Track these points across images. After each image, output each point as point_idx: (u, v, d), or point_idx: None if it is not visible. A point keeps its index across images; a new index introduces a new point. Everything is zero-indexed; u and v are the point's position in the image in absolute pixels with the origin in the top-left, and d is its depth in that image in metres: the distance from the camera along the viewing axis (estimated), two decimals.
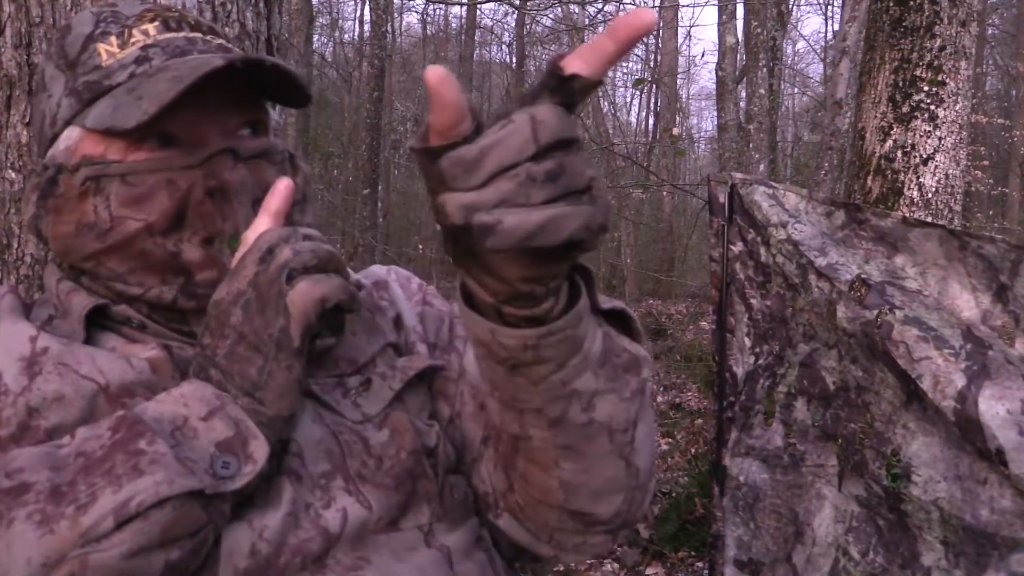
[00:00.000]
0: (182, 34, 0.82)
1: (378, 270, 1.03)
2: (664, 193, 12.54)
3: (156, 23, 0.81)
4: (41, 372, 0.73)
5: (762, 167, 9.76)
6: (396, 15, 16.67)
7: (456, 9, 17.15)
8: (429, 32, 19.51)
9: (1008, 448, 1.46)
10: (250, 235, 0.75)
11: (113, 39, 0.80)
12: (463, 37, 17.77)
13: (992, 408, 1.50)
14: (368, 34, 12.66)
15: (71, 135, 0.79)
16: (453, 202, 0.51)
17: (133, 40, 0.80)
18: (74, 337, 0.79)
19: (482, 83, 19.90)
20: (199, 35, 0.83)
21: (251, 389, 0.71)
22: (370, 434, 0.80)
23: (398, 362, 0.88)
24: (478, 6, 14.81)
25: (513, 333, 0.62)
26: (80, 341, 0.78)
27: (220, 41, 0.84)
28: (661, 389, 6.69)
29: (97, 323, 0.81)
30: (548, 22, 14.50)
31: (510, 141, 0.50)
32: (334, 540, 0.74)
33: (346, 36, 19.00)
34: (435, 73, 0.50)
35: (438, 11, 18.37)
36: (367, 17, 14.97)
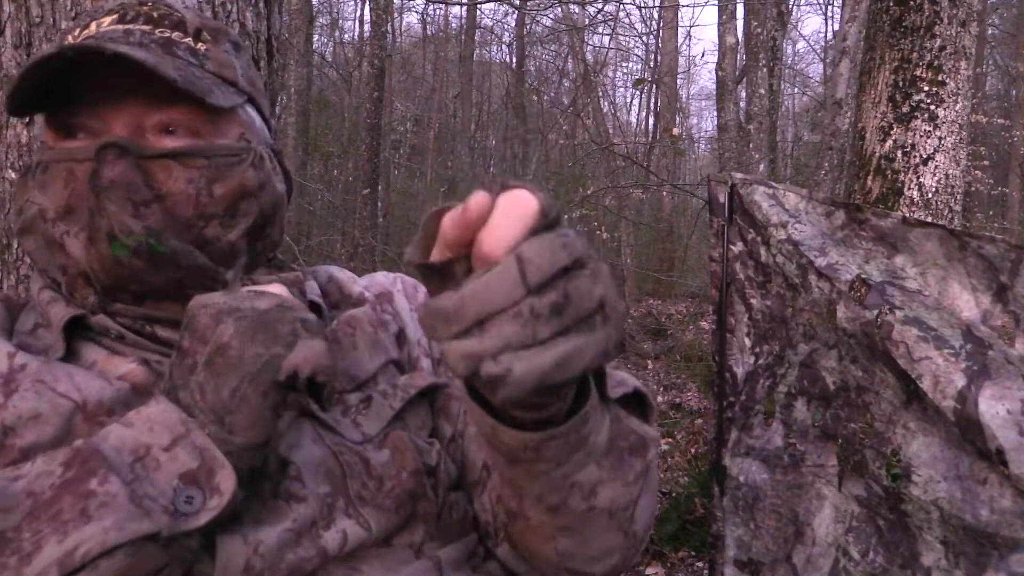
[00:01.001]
0: (127, 26, 0.79)
1: (383, 280, 1.00)
2: (664, 193, 12.54)
3: (115, 15, 0.80)
4: (18, 390, 0.72)
5: (762, 167, 9.76)
6: (396, 15, 16.67)
7: (456, 9, 17.15)
8: (429, 32, 19.50)
9: (1008, 448, 1.46)
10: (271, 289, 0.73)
11: (77, 31, 0.81)
12: (463, 37, 17.76)
13: (992, 408, 1.50)
14: (368, 34, 12.66)
15: (38, 121, 0.83)
16: (454, 352, 0.46)
17: (85, 32, 0.80)
18: (54, 349, 0.78)
19: (482, 83, 19.89)
20: (145, 28, 0.80)
21: (221, 413, 0.66)
22: (371, 454, 0.78)
23: (399, 380, 0.86)
24: (478, 6, 14.80)
25: (515, 435, 0.59)
26: (60, 353, 0.77)
27: (170, 35, 0.80)
28: (661, 389, 6.68)
29: (79, 333, 0.80)
30: (548, 22, 14.50)
31: (495, 289, 0.45)
32: (330, 560, 0.73)
33: (346, 36, 19.01)
34: (477, 200, 0.47)
35: (438, 11, 18.37)
36: (367, 17, 14.97)
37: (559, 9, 11.84)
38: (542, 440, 0.59)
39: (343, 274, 0.98)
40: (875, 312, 1.70)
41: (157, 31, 0.80)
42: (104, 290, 0.78)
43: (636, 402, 0.76)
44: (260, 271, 0.87)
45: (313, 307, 0.88)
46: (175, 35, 0.80)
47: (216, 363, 0.67)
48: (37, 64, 0.72)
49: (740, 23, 11.60)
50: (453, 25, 18.91)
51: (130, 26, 0.79)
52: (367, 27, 14.33)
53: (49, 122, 0.80)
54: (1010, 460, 1.45)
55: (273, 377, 0.66)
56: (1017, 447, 1.45)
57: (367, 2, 14.23)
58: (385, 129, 12.29)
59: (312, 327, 0.69)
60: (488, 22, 17.99)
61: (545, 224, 0.47)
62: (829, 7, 17.92)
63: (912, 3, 3.00)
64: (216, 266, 0.80)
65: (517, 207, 0.47)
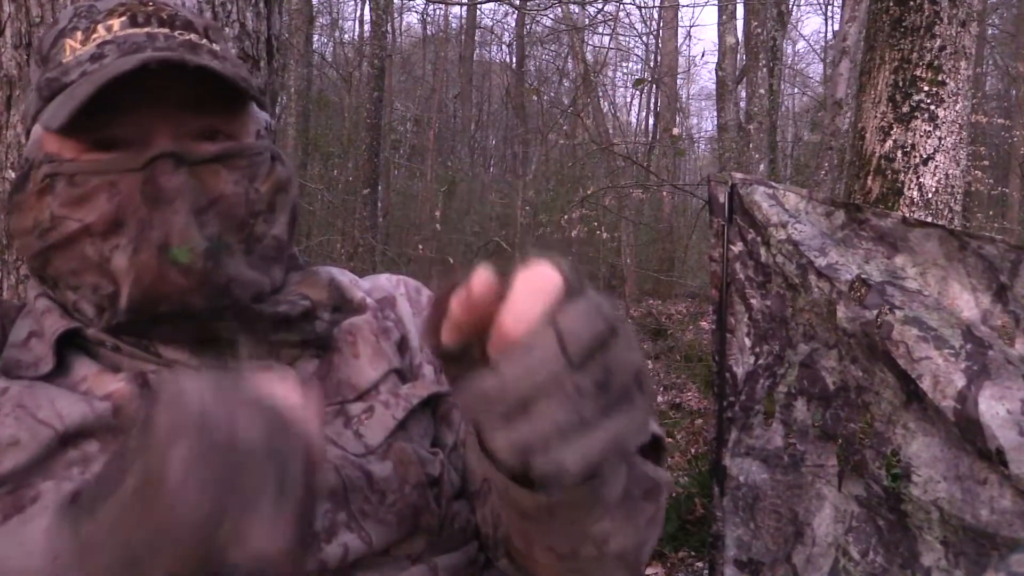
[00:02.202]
0: (146, 30, 0.78)
1: (386, 283, 0.98)
2: (664, 193, 12.54)
3: (123, 18, 0.79)
4: None
5: (762, 167, 9.76)
6: (396, 15, 16.67)
7: (456, 9, 17.16)
8: (429, 32, 19.50)
9: (1008, 448, 1.46)
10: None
11: (79, 35, 0.78)
12: (463, 37, 17.76)
13: (992, 408, 1.50)
14: (368, 34, 12.66)
15: (36, 132, 0.79)
16: (502, 443, 0.44)
17: (95, 36, 0.78)
18: (44, 362, 0.76)
19: (482, 83, 19.89)
20: (165, 31, 0.79)
21: (125, 562, 0.48)
22: (374, 467, 0.76)
23: (402, 389, 0.84)
24: (478, 6, 14.81)
25: (530, 496, 0.57)
26: (49, 367, 0.75)
27: (189, 37, 0.79)
28: (661, 389, 6.68)
29: (74, 343, 0.78)
30: (548, 22, 14.50)
31: (537, 366, 0.43)
32: (328, 571, 0.72)
33: (346, 36, 19.00)
34: (479, 278, 0.46)
35: (438, 11, 18.37)
36: (367, 17, 14.97)
37: (559, 9, 11.84)
38: (558, 502, 0.57)
39: (344, 277, 0.96)
40: (875, 312, 1.70)
41: (177, 34, 0.79)
42: (131, 309, 0.74)
43: (651, 443, 0.74)
44: (294, 276, 0.86)
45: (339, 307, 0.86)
46: (192, 37, 0.80)
47: (143, 493, 0.47)
48: (116, 79, 0.70)
49: (740, 23, 11.61)
50: (453, 25, 18.92)
51: (149, 29, 0.78)
52: (367, 27, 14.34)
53: (69, 134, 0.75)
54: (1010, 460, 1.45)
55: (201, 549, 0.46)
56: (1017, 447, 1.45)
57: (367, 2, 14.23)
58: (385, 129, 12.29)
59: (303, 485, 0.50)
60: (488, 22, 18.00)
61: (572, 294, 0.46)
62: (829, 7, 17.94)
63: (912, 3, 3.00)
64: (256, 303, 0.78)
65: (538, 283, 0.46)
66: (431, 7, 18.07)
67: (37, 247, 0.77)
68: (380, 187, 10.95)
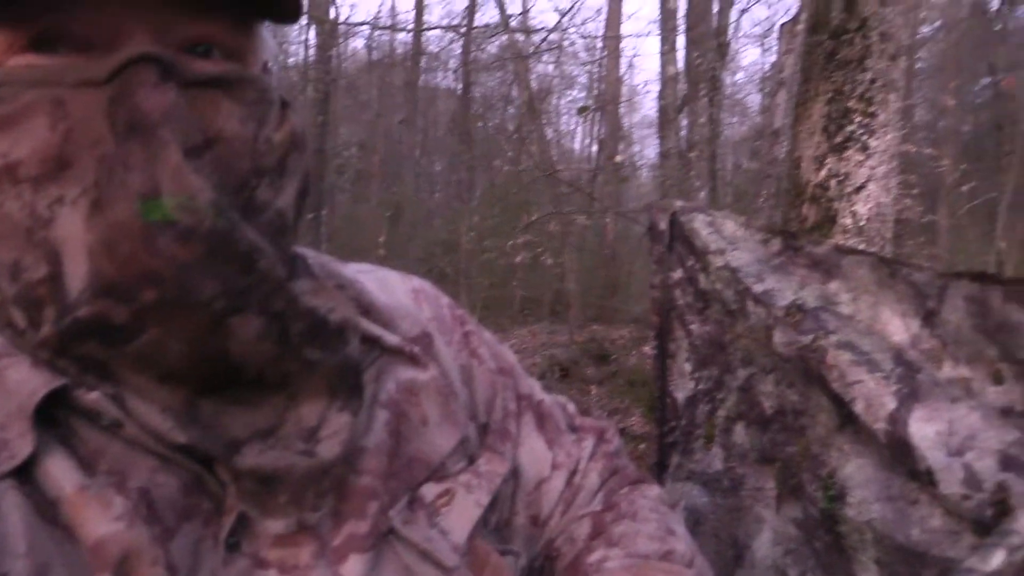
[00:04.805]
0: None
1: (408, 303, 0.71)
2: (608, 219, 12.66)
3: None
4: None
5: (703, 194, 9.93)
6: (341, 39, 16.63)
7: (402, 34, 17.18)
8: (375, 57, 19.48)
9: (937, 468, 1.50)
10: None
11: None
12: (409, 63, 17.80)
13: (922, 429, 1.53)
14: (313, 58, 12.60)
15: None
16: None
17: None
18: (11, 453, 0.47)
19: (428, 109, 19.92)
20: None
21: None
22: None
23: (480, 464, 0.66)
24: (423, 33, 14.86)
25: None
26: (20, 459, 0.47)
27: None
28: (605, 415, 6.71)
29: (52, 411, 0.50)
30: (494, 49, 14.61)
31: None
32: None
33: (291, 60, 18.88)
34: None
35: (384, 36, 18.37)
36: (312, 41, 14.91)
37: (504, 37, 11.95)
38: None
39: (369, 294, 0.68)
40: (810, 337, 1.74)
41: None
42: (93, 299, 0.46)
43: None
44: (302, 282, 0.56)
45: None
46: None
47: None
48: None
49: (682, 53, 11.83)
50: (399, 51, 18.94)
51: None
52: (312, 51, 14.27)
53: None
54: (939, 480, 1.49)
55: None
56: (945, 467, 1.49)
57: (312, 26, 14.18)
58: (330, 154, 12.21)
59: None
60: (434, 48, 18.06)
61: None
62: (766, 40, 18.43)
63: (845, 38, 3.10)
64: (280, 267, 0.52)
65: None
66: (377, 32, 18.07)
67: None
68: (324, 212, 10.86)
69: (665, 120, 11.02)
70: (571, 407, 0.87)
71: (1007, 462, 1.38)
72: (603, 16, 14.99)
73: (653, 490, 0.81)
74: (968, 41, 14.22)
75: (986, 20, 13.97)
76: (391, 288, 0.72)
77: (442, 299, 0.76)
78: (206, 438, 0.49)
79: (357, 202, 15.72)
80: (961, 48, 14.31)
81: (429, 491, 0.60)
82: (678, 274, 2.08)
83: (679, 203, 2.21)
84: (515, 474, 0.70)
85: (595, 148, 17.94)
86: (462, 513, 0.61)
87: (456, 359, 0.71)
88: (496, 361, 0.76)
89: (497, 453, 0.69)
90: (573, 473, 0.78)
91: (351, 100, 18.90)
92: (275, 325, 0.51)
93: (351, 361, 0.56)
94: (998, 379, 1.50)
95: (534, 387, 0.82)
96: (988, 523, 1.33)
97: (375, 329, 0.65)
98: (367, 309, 0.66)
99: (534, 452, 0.74)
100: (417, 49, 17.32)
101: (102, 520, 0.46)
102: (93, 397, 0.49)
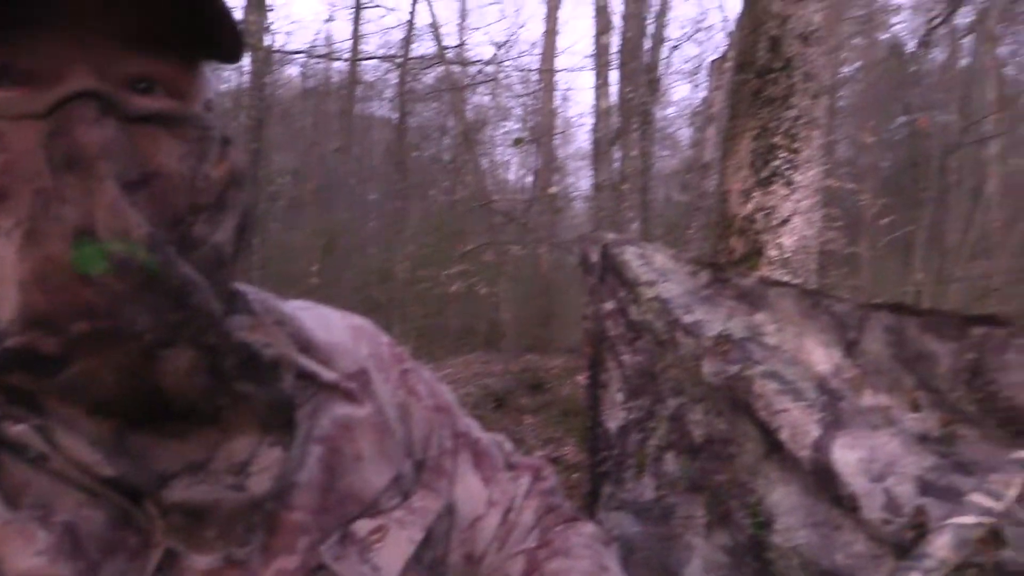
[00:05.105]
0: None
1: (348, 343, 0.71)
2: (542, 249, 12.75)
3: None
4: None
5: (635, 225, 10.08)
6: (276, 67, 16.50)
7: (338, 63, 17.14)
8: (310, 85, 19.36)
9: (860, 494, 1.54)
10: None
11: None
12: (344, 91, 17.74)
13: (845, 456, 1.57)
14: (247, 84, 12.48)
15: None
16: None
17: None
18: None
19: (363, 137, 19.84)
20: None
21: None
22: None
23: (414, 501, 0.66)
24: (360, 62, 14.85)
25: None
26: None
27: None
28: (540, 444, 6.71)
29: None
30: (430, 80, 14.68)
31: None
32: None
33: (225, 86, 18.64)
34: None
35: (319, 64, 18.30)
36: (247, 68, 14.76)
37: (441, 68, 12.02)
38: None
39: (308, 331, 0.68)
40: (738, 367, 1.77)
41: None
42: (23, 330, 0.47)
43: None
44: (240, 317, 0.58)
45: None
46: None
47: None
48: None
49: (615, 88, 12.05)
50: (334, 79, 18.86)
51: None
52: (246, 78, 14.13)
53: None
54: (862, 506, 1.53)
55: None
56: (868, 493, 1.53)
57: (247, 53, 14.04)
58: (263, 181, 12.06)
59: None
60: (370, 78, 18.05)
61: None
62: (696, 76, 18.91)
63: (770, 76, 3.20)
64: (214, 302, 0.52)
65: None
66: (312, 60, 17.99)
67: None
68: (256, 240, 10.70)
69: (598, 152, 11.20)
70: (508, 445, 0.88)
71: (925, 487, 1.43)
72: (538, 50, 15.21)
73: (587, 527, 0.83)
74: (886, 81, 14.84)
75: (902, 62, 14.61)
76: (330, 325, 0.73)
77: (381, 337, 0.77)
78: (134, 471, 0.49)
79: (290, 230, 15.55)
80: (879, 88, 14.93)
81: (362, 527, 0.60)
82: (610, 305, 2.11)
83: (611, 235, 2.24)
84: (450, 511, 0.71)
85: (530, 179, 18.11)
86: (395, 549, 0.61)
87: (393, 396, 0.71)
88: (434, 399, 0.77)
89: (432, 490, 0.69)
90: (508, 511, 0.79)
91: (285, 128, 18.72)
92: (207, 359, 0.51)
93: (284, 396, 0.56)
94: (915, 407, 1.55)
95: (471, 426, 0.83)
96: (908, 546, 1.37)
97: (312, 365, 0.65)
98: (305, 346, 0.66)
99: (470, 490, 0.75)
100: (353, 78, 17.29)
101: (25, 554, 0.46)
102: (19, 429, 0.49)
